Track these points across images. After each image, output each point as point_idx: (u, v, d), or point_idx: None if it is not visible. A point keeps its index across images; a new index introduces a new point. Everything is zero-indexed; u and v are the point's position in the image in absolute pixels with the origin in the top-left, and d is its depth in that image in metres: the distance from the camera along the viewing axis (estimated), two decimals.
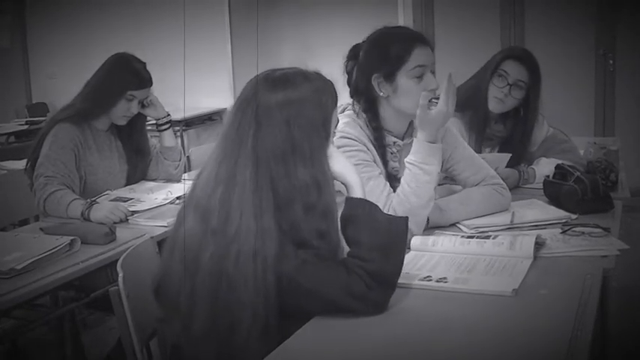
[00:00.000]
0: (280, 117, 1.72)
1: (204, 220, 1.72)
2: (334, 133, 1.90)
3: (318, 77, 1.82)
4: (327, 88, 1.82)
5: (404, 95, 2.40)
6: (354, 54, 2.50)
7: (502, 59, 3.10)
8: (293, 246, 1.71)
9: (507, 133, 3.15)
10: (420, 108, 2.30)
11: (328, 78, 1.84)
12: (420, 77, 2.38)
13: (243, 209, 1.69)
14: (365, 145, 2.43)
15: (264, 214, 1.69)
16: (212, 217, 1.71)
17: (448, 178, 2.75)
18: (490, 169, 2.64)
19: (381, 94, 2.41)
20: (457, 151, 2.60)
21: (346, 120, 2.47)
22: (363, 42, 2.50)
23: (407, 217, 1.86)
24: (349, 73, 2.51)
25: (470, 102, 3.05)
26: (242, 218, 1.69)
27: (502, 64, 3.08)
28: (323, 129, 1.79)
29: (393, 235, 1.80)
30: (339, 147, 2.37)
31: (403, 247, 1.82)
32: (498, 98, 3.06)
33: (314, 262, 1.72)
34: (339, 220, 1.82)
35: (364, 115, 2.48)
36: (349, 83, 2.51)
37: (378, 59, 2.41)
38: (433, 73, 2.41)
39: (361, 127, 2.46)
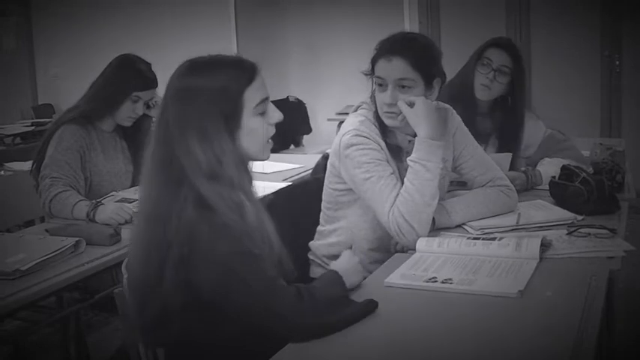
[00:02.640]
0: (178, 98, 1.82)
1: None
2: (263, 113, 1.90)
3: (237, 62, 1.91)
4: (234, 70, 1.88)
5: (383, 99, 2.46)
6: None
7: (485, 48, 3.17)
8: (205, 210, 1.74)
9: (496, 127, 3.15)
10: (404, 110, 2.38)
11: (249, 60, 1.92)
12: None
13: (145, 180, 1.86)
14: (378, 143, 2.44)
15: (157, 179, 1.81)
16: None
17: (454, 184, 2.75)
18: (499, 170, 2.64)
19: (431, 96, 2.45)
20: (467, 150, 2.61)
21: (361, 118, 2.49)
22: (396, 40, 2.48)
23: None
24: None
25: (458, 95, 3.05)
26: (143, 187, 1.87)
27: (485, 52, 3.15)
28: (223, 108, 1.82)
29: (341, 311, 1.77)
30: (353, 144, 2.40)
31: (341, 324, 1.74)
32: (484, 85, 3.10)
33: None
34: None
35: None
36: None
37: (439, 67, 2.46)
38: None
39: (375, 126, 2.47)
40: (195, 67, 1.88)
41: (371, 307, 1.79)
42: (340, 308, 1.76)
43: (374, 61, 2.45)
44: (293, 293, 1.75)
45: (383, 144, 2.46)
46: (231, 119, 1.83)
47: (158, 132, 1.84)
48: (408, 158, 2.38)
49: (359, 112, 2.54)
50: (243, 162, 1.87)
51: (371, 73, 2.47)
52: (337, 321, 1.72)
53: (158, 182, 1.81)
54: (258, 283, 1.72)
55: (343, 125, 2.53)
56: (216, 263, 1.72)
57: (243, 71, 1.88)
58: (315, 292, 1.79)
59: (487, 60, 3.12)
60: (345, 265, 1.99)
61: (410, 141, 2.51)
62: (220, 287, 1.73)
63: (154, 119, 3.35)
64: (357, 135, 2.44)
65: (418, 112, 2.37)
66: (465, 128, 2.66)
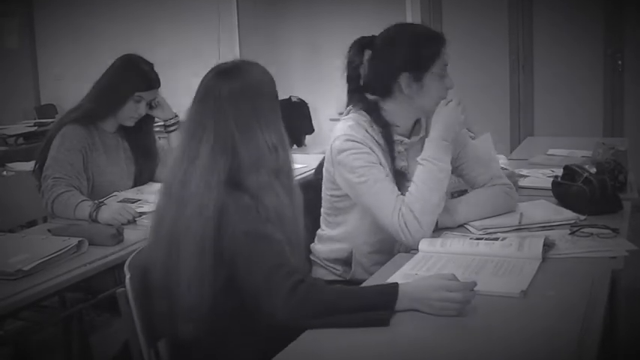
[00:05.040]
0: (241, 96, 1.94)
1: (169, 193, 1.95)
2: None
3: (257, 64, 2.06)
4: (266, 71, 2.05)
5: (428, 94, 2.44)
6: (360, 49, 2.51)
7: None
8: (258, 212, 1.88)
9: None
10: (440, 105, 2.42)
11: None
12: (443, 76, 2.45)
13: (200, 176, 1.89)
14: (370, 147, 2.43)
15: (214, 175, 1.88)
16: (174, 188, 1.93)
17: (455, 195, 2.74)
18: (498, 169, 2.64)
19: (406, 92, 2.43)
20: (466, 150, 2.61)
21: (350, 123, 2.48)
22: (372, 37, 2.51)
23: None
24: (355, 67, 2.52)
25: None
26: (195, 183, 1.88)
27: None
28: (275, 99, 2.04)
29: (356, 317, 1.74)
30: (344, 150, 2.39)
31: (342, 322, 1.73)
32: None
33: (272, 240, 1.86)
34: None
35: (368, 116, 2.48)
36: (353, 77, 2.53)
37: (408, 58, 2.43)
38: None
39: (366, 130, 2.46)
40: (237, 70, 1.99)
41: (375, 322, 1.72)
42: (341, 318, 1.73)
43: (437, 53, 2.43)
44: (288, 288, 1.78)
45: (375, 147, 2.44)
46: (279, 109, 2.03)
47: (216, 132, 1.91)
48: (419, 157, 2.38)
49: (350, 115, 2.53)
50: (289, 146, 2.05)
51: (423, 69, 2.43)
52: (328, 325, 1.72)
53: (206, 177, 1.88)
54: (260, 270, 1.82)
55: (334, 130, 2.52)
56: (234, 240, 1.84)
57: (268, 71, 2.06)
58: (318, 294, 1.78)
59: None
60: (422, 290, 1.80)
61: (402, 141, 2.51)
62: (236, 264, 1.85)
63: (156, 120, 3.39)
64: (347, 140, 2.42)
65: (442, 112, 2.42)
66: (464, 129, 2.67)
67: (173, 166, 1.98)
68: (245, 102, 1.94)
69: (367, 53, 2.51)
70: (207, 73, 2.01)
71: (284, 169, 2.01)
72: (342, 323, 1.71)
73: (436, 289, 1.77)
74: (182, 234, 1.87)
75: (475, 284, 1.79)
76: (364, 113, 2.49)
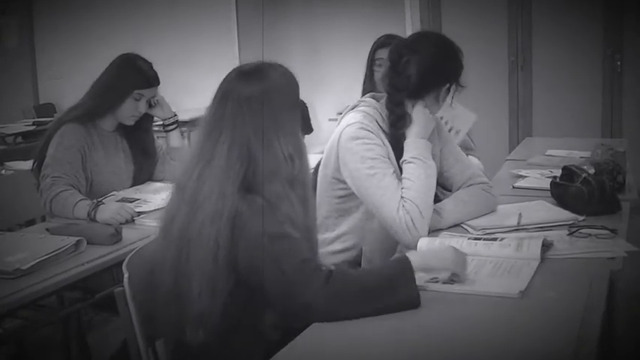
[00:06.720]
0: (260, 101, 1.90)
1: (182, 194, 1.90)
2: None
3: (281, 66, 2.02)
4: (290, 74, 2.03)
5: (440, 105, 2.56)
6: (403, 52, 2.49)
7: (374, 51, 3.60)
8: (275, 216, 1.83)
9: None
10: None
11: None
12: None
13: (214, 179, 1.85)
14: (381, 140, 2.44)
15: (229, 181, 1.83)
16: (187, 189, 1.89)
17: None
18: (476, 167, 2.68)
19: (440, 99, 2.51)
20: (447, 147, 2.64)
21: (362, 114, 2.48)
22: (408, 41, 2.56)
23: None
24: (400, 71, 2.48)
25: None
26: (209, 186, 1.84)
27: (376, 54, 3.58)
28: (295, 106, 2.02)
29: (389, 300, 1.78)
30: (358, 137, 2.40)
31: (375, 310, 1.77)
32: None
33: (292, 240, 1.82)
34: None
35: (379, 110, 2.49)
36: (396, 78, 2.50)
37: (455, 71, 2.53)
38: None
39: (377, 122, 2.46)
40: (258, 72, 1.95)
41: (410, 303, 1.78)
42: (375, 298, 1.76)
43: (459, 72, 2.53)
44: (322, 278, 1.76)
45: (386, 141, 2.46)
46: (299, 115, 2.02)
47: (233, 136, 1.87)
48: (408, 156, 2.38)
49: (360, 108, 2.52)
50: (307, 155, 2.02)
51: (457, 83, 2.55)
52: (365, 311, 1.74)
53: (221, 182, 1.84)
54: (289, 266, 1.78)
55: (344, 119, 2.51)
56: (253, 243, 1.80)
57: (293, 75, 2.05)
58: (350, 280, 1.80)
59: (379, 60, 3.52)
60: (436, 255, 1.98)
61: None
62: (255, 266, 1.80)
63: (155, 119, 3.38)
64: (362, 128, 2.42)
65: (416, 114, 2.47)
66: (443, 125, 2.69)
67: (187, 166, 1.93)
68: (263, 108, 1.89)
69: (413, 58, 2.47)
70: (230, 73, 1.97)
71: (299, 179, 1.97)
72: (375, 309, 1.75)
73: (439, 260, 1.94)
74: (194, 239, 1.83)
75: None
76: (374, 107, 2.50)
